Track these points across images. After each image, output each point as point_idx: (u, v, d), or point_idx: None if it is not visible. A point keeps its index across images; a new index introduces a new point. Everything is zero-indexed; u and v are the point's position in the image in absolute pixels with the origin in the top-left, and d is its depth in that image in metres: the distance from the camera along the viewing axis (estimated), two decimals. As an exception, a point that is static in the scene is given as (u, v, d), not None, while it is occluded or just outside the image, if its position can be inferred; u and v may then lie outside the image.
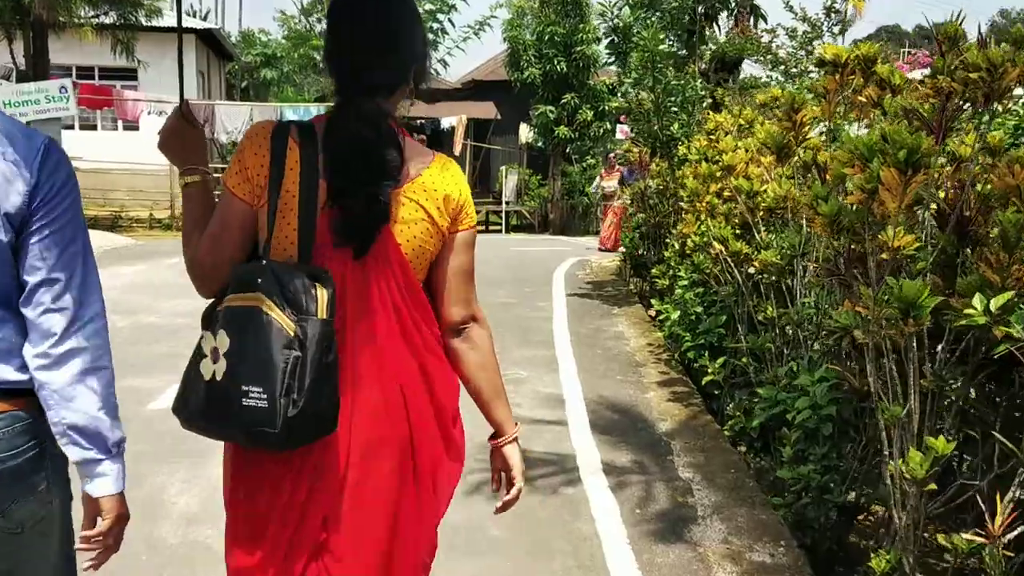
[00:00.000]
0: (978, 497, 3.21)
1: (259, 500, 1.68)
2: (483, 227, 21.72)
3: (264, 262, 1.63)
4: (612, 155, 17.16)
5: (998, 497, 2.75)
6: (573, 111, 20.17)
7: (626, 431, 5.06)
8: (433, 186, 1.74)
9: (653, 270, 7.97)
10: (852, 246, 3.23)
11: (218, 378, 1.59)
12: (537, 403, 5.53)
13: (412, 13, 1.82)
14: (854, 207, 3.08)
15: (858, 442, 4.19)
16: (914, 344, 3.11)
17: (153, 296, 8.41)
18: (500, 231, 20.80)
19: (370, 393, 1.69)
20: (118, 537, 1.69)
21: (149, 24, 17.26)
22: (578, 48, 19.54)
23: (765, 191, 4.98)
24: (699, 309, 6.41)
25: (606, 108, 20.12)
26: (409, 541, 1.78)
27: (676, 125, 8.23)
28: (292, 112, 17.30)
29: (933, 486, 2.95)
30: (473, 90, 27.51)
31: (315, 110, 17.68)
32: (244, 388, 1.55)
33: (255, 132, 1.72)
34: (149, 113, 16.98)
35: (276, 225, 1.66)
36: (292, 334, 1.55)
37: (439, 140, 23.84)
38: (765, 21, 11.77)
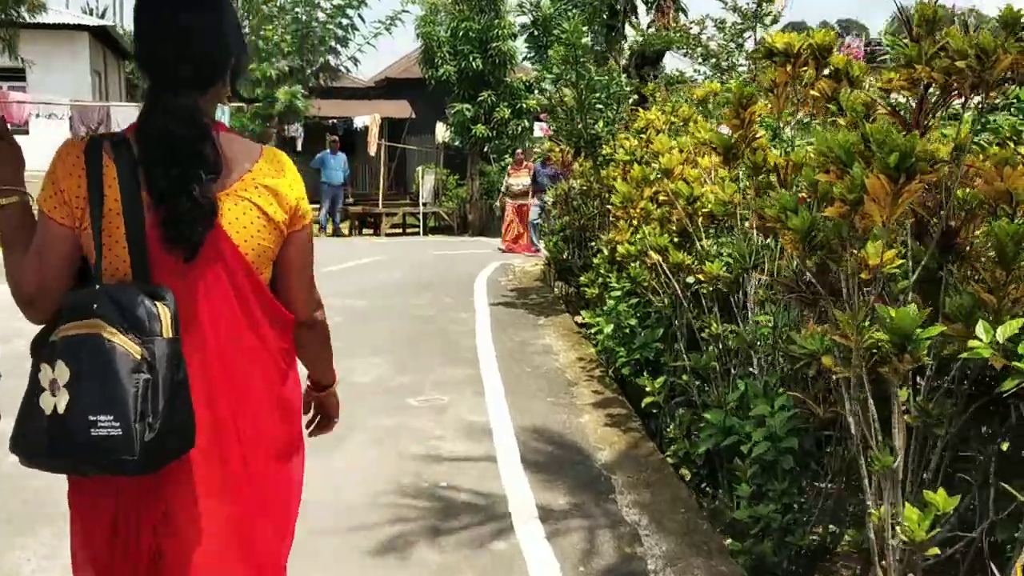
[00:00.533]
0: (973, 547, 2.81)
1: (95, 533, 1.69)
2: (400, 230, 21.02)
3: (97, 287, 1.60)
4: (520, 151, 16.71)
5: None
6: (490, 109, 19.64)
7: (562, 465, 4.55)
8: (264, 182, 1.72)
9: (581, 278, 7.49)
10: (827, 264, 2.77)
11: (60, 411, 1.53)
12: (461, 434, 4.98)
13: (224, 6, 1.77)
14: (831, 221, 2.63)
15: (822, 476, 3.77)
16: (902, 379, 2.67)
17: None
18: (418, 233, 20.13)
19: (209, 404, 1.69)
20: None
21: (34, 20, 16.05)
22: (494, 44, 19.01)
23: (705, 196, 4.53)
24: (633, 322, 5.95)
25: (524, 106, 19.67)
26: (253, 544, 1.78)
27: (600, 123, 7.77)
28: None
29: (935, 551, 2.51)
30: (387, 88, 26.73)
31: (219, 110, 16.78)
32: (91, 418, 1.51)
33: (67, 151, 1.67)
34: (38, 116, 15.86)
35: (104, 246, 1.63)
36: (139, 357, 1.53)
37: (352, 140, 23.07)
38: (685, 14, 11.45)
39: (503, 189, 16.61)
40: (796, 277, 3.50)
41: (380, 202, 20.09)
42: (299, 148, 21.85)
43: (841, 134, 2.63)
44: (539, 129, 19.82)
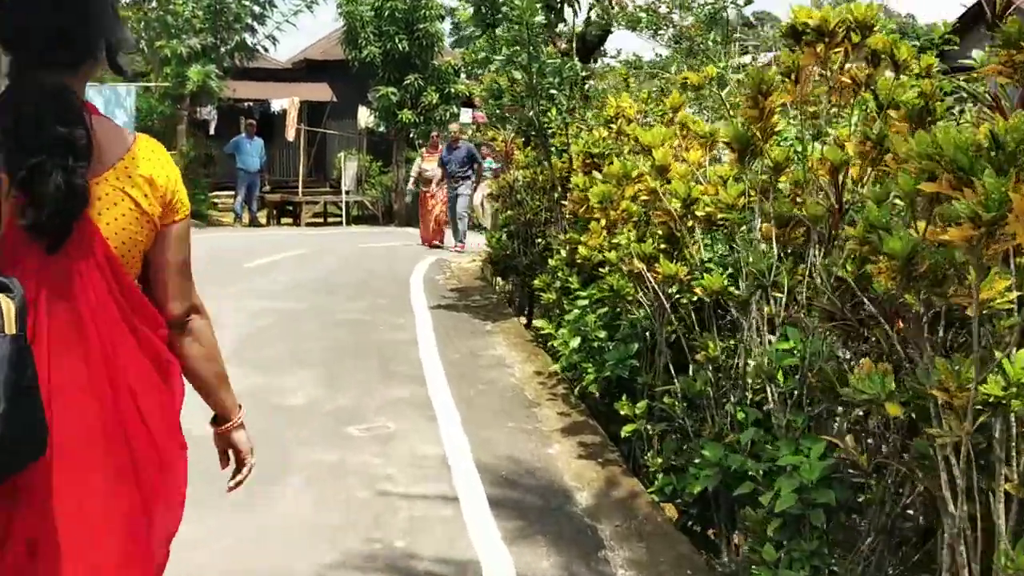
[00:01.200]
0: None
1: None
2: (321, 219, 19.99)
3: None
4: (435, 133, 15.40)
5: None
6: (417, 93, 18.77)
7: (539, 514, 3.87)
8: (137, 170, 1.63)
9: (535, 281, 6.82)
10: (931, 299, 2.15)
11: None
12: (416, 473, 4.26)
13: None
14: (944, 246, 2.01)
15: (858, 534, 3.20)
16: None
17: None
18: (341, 223, 19.14)
19: (76, 406, 1.57)
20: None
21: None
22: (421, 26, 18.13)
23: (703, 198, 3.90)
24: (602, 334, 5.32)
25: (452, 90, 18.86)
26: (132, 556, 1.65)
27: (553, 110, 7.10)
28: (93, 91, 15.05)
29: None
30: (306, 70, 25.51)
31: (123, 90, 15.51)
32: None
33: None
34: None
35: None
36: None
37: (270, 124, 21.88)
38: (630, -4, 10.83)
39: (413, 175, 15.01)
40: (836, 302, 2.91)
41: (300, 190, 19.01)
42: (212, 132, 20.62)
43: (951, 132, 2.00)
44: (471, 116, 19.08)
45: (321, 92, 24.50)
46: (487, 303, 8.58)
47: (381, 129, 20.27)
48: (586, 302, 5.50)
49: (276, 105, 20.77)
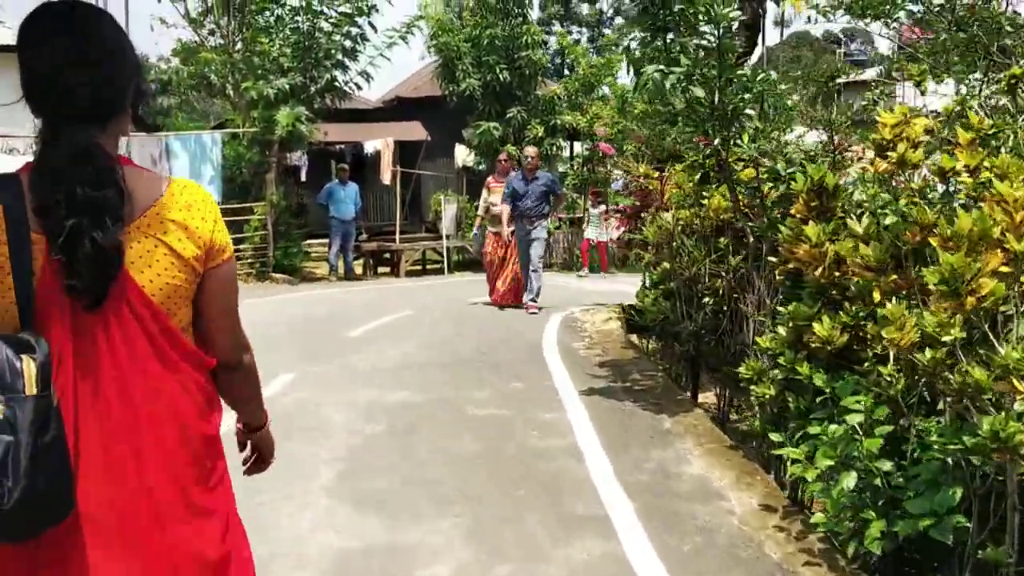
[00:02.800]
0: None
1: None
2: (420, 266, 18.55)
3: None
4: (505, 157, 11.70)
5: None
6: (521, 127, 17.24)
7: None
8: (170, 216, 1.62)
9: (740, 368, 5.02)
10: None
11: None
12: None
13: (114, 25, 1.65)
14: None
15: None
16: None
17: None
18: (441, 270, 17.66)
19: (111, 457, 1.55)
20: None
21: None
22: (522, 54, 16.65)
23: None
24: (886, 466, 3.51)
25: (558, 122, 17.29)
26: None
27: (746, 136, 5.33)
28: (179, 143, 13.97)
29: None
30: (396, 109, 24.39)
31: (208, 139, 14.38)
32: None
33: None
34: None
35: None
36: (1, 417, 1.39)
37: (361, 167, 20.67)
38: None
39: (479, 212, 11.23)
40: None
41: (397, 236, 17.58)
42: (303, 178, 19.50)
43: None
44: (603, 148, 17.42)
45: (414, 131, 23.24)
46: (652, 384, 6.78)
47: (481, 167, 18.80)
48: (859, 417, 3.67)
49: (369, 147, 19.55)
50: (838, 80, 9.10)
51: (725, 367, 5.68)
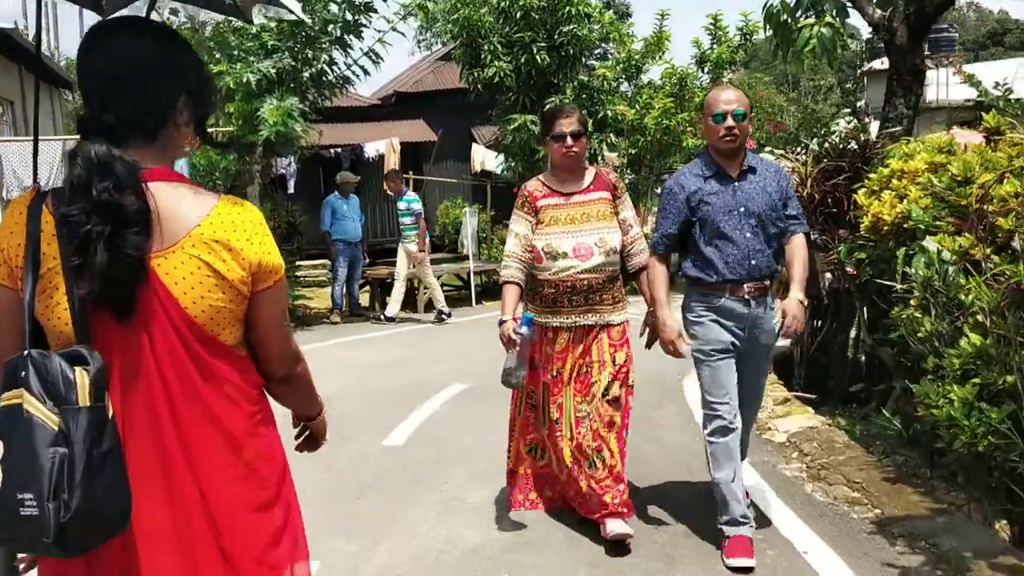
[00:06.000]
0: None
1: None
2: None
3: (26, 352, 1.49)
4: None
5: None
6: (565, 121, 13.93)
7: None
8: (214, 237, 1.61)
9: None
10: None
11: None
12: None
13: (158, 41, 1.66)
14: None
15: None
16: None
17: None
18: (466, 300, 14.25)
19: (155, 477, 1.58)
20: None
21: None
22: (565, 29, 13.31)
23: None
24: None
25: (609, 114, 13.99)
26: None
27: None
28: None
29: None
30: (396, 106, 21.07)
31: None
32: (19, 496, 1.40)
33: (14, 206, 1.61)
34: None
35: (45, 306, 1.56)
36: (56, 429, 1.43)
37: (357, 174, 17.26)
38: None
39: (511, 259, 4.04)
40: None
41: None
42: (291, 189, 16.08)
43: None
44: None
45: (419, 131, 19.94)
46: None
47: (506, 172, 15.48)
48: None
49: (370, 150, 16.16)
50: None
51: None
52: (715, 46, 14.88)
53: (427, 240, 12.27)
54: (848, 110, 9.09)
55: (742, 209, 3.78)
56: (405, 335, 11.08)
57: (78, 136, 1.62)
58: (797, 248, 3.89)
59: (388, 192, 12.76)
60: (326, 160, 17.59)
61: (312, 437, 2.06)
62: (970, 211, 4.28)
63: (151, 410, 1.56)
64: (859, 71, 26.28)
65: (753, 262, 3.76)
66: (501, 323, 3.89)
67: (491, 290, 14.98)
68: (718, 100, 3.76)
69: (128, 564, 1.56)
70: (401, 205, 11.72)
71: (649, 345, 4.10)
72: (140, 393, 1.56)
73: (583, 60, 13.96)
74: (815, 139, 7.46)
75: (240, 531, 1.64)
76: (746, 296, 3.77)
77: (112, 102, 1.58)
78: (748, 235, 3.76)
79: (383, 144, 15.87)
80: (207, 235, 1.59)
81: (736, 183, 3.82)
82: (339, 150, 17.29)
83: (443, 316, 11.84)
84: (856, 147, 6.74)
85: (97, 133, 1.56)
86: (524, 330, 3.81)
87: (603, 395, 3.90)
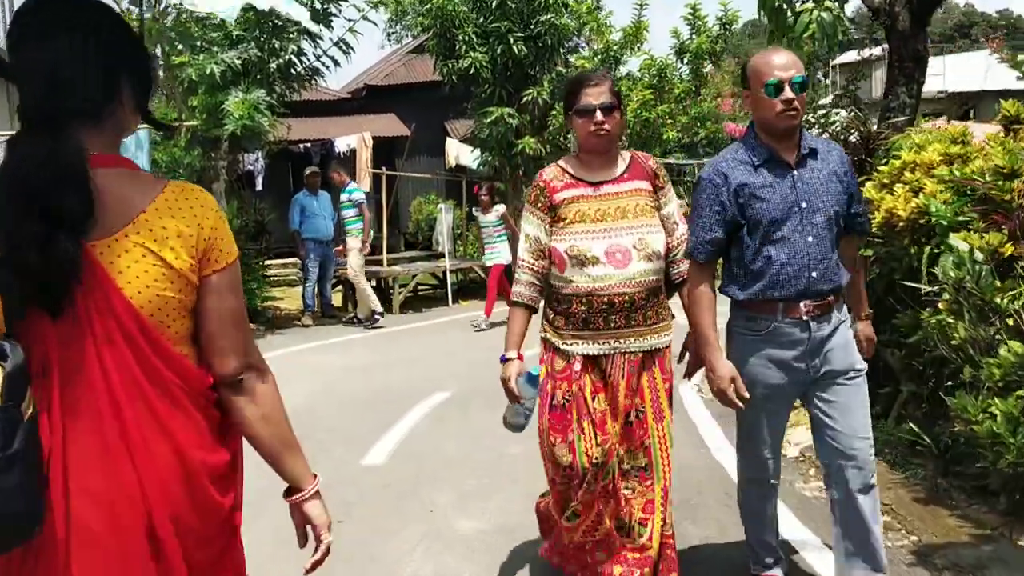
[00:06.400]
0: None
1: None
2: (412, 292, 14.56)
3: None
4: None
5: None
6: (543, 113, 13.50)
7: None
8: (161, 224, 1.53)
9: None
10: None
11: None
12: None
13: (96, 16, 1.58)
14: None
15: None
16: None
17: None
18: (442, 300, 13.81)
19: (94, 474, 1.48)
20: None
21: None
22: (543, 18, 12.87)
23: None
24: None
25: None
26: None
27: None
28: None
29: None
30: (366, 100, 20.54)
31: (131, 140, 10.41)
32: None
33: None
34: None
35: None
36: None
37: (324, 171, 16.72)
38: None
39: (523, 268, 3.23)
40: None
41: (384, 258, 13.64)
42: (259, 186, 15.54)
43: None
44: (729, 129, 13.84)
45: (390, 125, 19.42)
46: None
47: (482, 166, 15.04)
48: None
49: (341, 144, 15.60)
50: None
51: None
52: (694, 36, 14.57)
53: (370, 233, 11.75)
54: (848, 98, 8.75)
55: (803, 205, 2.92)
56: (380, 337, 10.61)
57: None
58: (859, 256, 3.32)
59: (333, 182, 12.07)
60: (295, 155, 17.04)
61: (316, 537, 1.75)
62: (1013, 207, 3.91)
63: (92, 407, 1.48)
64: (829, 64, 26.12)
65: (814, 274, 2.91)
66: (503, 360, 3.11)
67: (467, 288, 14.57)
68: (771, 65, 2.88)
69: (63, 563, 1.47)
70: (343, 196, 11.24)
71: (690, 375, 3.32)
72: (80, 389, 1.47)
73: (561, 51, 13.52)
74: (815, 128, 7.09)
75: (183, 544, 1.55)
76: (804, 317, 2.95)
77: (52, 89, 1.50)
78: (810, 239, 2.90)
79: (355, 139, 15.35)
80: (153, 222, 1.52)
81: (795, 172, 2.95)
82: (308, 145, 16.74)
83: (374, 319, 11.21)
84: (858, 139, 6.39)
85: (39, 123, 1.48)
86: (531, 392, 3.11)
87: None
